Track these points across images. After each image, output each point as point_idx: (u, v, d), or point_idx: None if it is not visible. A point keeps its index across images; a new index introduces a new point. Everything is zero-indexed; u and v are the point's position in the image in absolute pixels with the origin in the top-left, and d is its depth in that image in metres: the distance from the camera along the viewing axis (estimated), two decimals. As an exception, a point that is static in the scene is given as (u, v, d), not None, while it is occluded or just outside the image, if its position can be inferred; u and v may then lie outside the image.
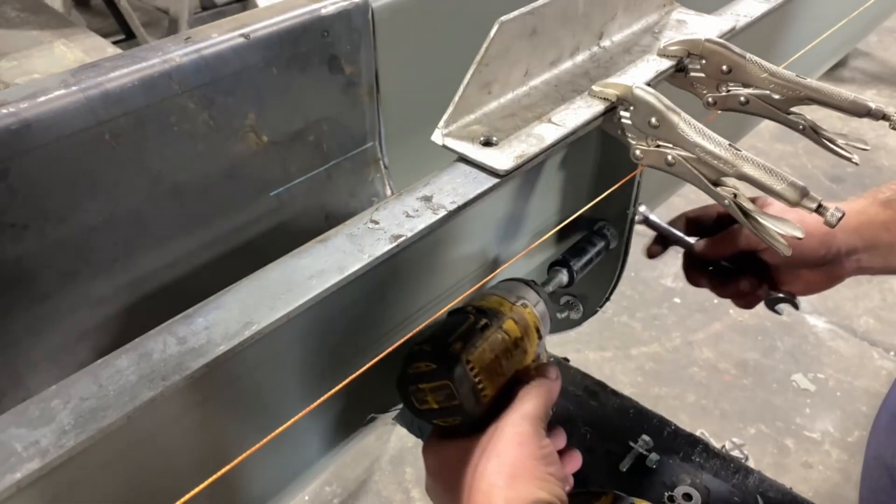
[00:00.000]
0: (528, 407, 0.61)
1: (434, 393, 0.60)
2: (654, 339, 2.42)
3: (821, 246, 0.83)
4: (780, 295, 0.90)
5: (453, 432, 0.62)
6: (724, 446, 2.08)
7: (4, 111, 0.60)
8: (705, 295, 2.81)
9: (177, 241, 0.78)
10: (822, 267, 0.86)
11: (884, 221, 0.83)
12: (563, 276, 0.79)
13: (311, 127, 0.85)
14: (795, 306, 0.90)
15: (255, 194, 0.83)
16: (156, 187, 0.73)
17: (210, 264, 0.81)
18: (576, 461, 0.70)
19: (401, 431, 2.05)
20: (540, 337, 0.67)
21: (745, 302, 0.92)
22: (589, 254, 0.82)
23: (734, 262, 0.90)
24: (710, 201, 0.67)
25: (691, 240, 0.91)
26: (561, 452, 0.69)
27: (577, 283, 0.80)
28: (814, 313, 2.52)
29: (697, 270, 0.93)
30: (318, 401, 0.53)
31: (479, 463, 0.59)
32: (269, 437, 0.49)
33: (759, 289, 0.90)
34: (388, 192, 0.97)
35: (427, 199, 0.58)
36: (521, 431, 0.59)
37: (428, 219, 0.56)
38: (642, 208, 0.88)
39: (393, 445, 2.09)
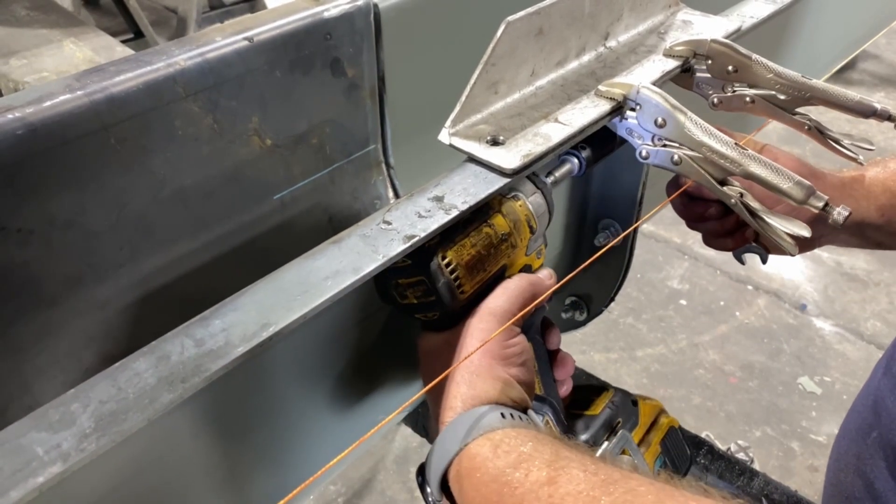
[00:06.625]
0: (497, 301, 0.59)
1: (412, 288, 0.58)
2: (660, 340, 2.42)
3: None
4: (752, 244, 0.86)
5: (435, 326, 0.61)
6: (729, 448, 2.07)
7: (10, 116, 0.60)
8: (711, 297, 2.78)
9: (181, 245, 0.77)
10: None
11: (879, 207, 0.83)
12: (574, 163, 0.73)
13: (314, 130, 0.85)
14: (764, 260, 0.88)
15: (259, 197, 0.83)
16: (161, 191, 0.73)
17: (214, 267, 0.81)
18: (568, 366, 0.69)
19: (405, 431, 2.05)
20: (532, 231, 0.64)
21: (721, 243, 0.88)
22: (605, 148, 0.75)
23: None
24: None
25: None
26: (553, 354, 0.69)
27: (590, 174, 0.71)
28: (820, 316, 2.51)
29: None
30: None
31: (450, 359, 0.58)
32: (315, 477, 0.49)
33: (742, 231, 0.85)
34: (391, 194, 0.96)
35: (439, 199, 0.58)
36: (485, 327, 0.58)
37: (440, 219, 0.56)
38: None
39: (398, 445, 2.09)
